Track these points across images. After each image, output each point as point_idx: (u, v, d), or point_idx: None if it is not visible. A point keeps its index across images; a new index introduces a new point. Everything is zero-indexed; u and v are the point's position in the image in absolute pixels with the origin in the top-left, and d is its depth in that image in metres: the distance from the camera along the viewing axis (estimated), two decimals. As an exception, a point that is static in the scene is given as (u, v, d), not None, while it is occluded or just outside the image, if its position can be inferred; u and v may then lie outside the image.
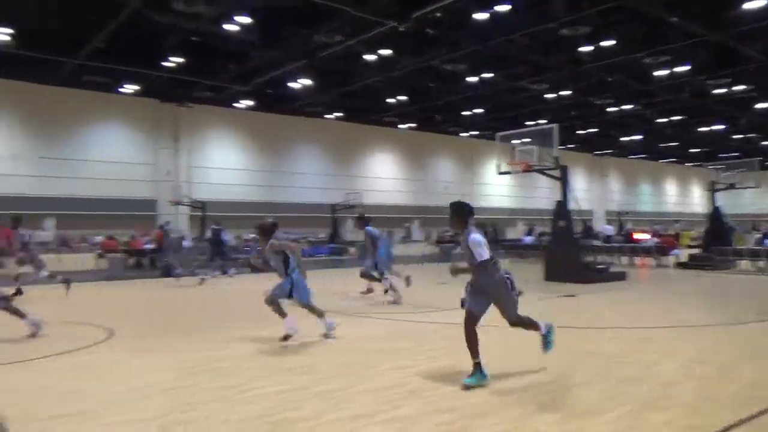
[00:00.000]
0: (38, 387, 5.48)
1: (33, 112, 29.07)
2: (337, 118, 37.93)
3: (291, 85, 28.61)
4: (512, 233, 39.64)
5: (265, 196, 35.25)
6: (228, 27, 20.80)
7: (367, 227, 11.97)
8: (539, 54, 24.41)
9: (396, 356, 6.59)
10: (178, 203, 28.91)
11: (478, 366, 5.30)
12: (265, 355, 6.79)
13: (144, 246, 24.16)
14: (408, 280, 12.16)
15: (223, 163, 34.92)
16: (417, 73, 26.87)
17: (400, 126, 40.95)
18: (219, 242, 19.72)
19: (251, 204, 33.96)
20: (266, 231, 7.49)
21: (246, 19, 20.26)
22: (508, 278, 5.53)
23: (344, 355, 6.66)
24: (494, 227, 35.46)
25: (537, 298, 11.85)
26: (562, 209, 15.45)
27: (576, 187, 18.19)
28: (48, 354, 6.87)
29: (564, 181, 15.37)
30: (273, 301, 7.38)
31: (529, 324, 5.80)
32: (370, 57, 24.26)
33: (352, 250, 30.08)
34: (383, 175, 41.98)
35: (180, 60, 24.57)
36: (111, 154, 30.97)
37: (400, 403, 4.77)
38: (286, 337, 7.29)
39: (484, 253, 5.35)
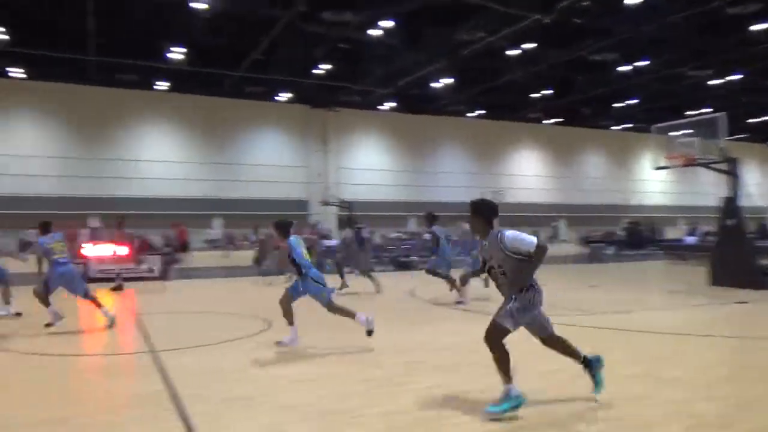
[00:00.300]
0: (210, 371, 6.05)
1: (204, 121, 32.20)
2: (479, 116, 37.60)
3: (433, 85, 28.87)
4: (672, 233, 36.64)
5: (410, 195, 35.91)
6: (372, 32, 21.49)
7: (433, 227, 11.74)
8: (702, 37, 22.35)
9: (544, 359, 6.39)
10: (327, 203, 30.36)
11: (595, 367, 4.70)
12: (418, 351, 6.91)
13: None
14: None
15: (369, 164, 36.10)
16: (563, 66, 25.86)
17: (544, 121, 39.64)
18: (360, 241, 20.42)
19: (396, 203, 34.80)
20: (282, 228, 7.27)
21: (389, 23, 20.79)
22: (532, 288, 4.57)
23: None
24: (651, 226, 33.03)
25: (695, 304, 10.89)
26: (731, 206, 13.98)
27: (748, 182, 16.41)
28: (217, 341, 7.57)
29: (733, 175, 13.90)
30: (334, 309, 7.13)
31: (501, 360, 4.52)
32: (513, 52, 23.76)
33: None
34: (527, 173, 40.90)
35: (328, 67, 25.85)
36: (268, 158, 33.38)
37: (550, 409, 4.63)
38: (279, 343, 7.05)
39: (531, 239, 4.51)
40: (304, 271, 7.07)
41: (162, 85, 29.62)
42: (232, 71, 26.56)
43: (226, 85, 29.14)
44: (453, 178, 37.60)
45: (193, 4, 19.15)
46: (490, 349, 4.55)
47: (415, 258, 21.27)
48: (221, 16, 20.22)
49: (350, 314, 7.11)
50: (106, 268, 15.20)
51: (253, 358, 6.65)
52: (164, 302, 12.55)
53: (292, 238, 7.18)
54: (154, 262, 16.82)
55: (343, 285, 13.07)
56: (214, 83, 28.69)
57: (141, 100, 30.67)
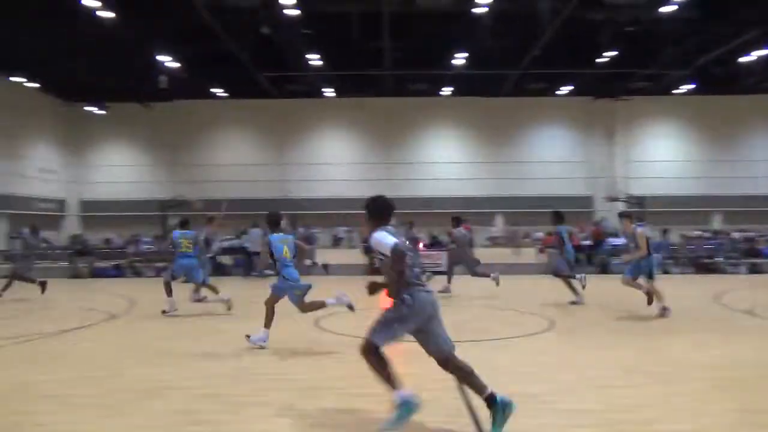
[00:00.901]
0: (495, 365, 6.22)
1: (485, 122, 33.24)
2: (807, 91, 31.29)
3: (741, 60, 24.98)
4: None
5: (713, 188, 31.75)
6: (664, 9, 19.53)
7: (559, 226, 11.20)
8: None
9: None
10: (613, 199, 28.62)
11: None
12: (729, 367, 6.10)
13: (581, 242, 24.64)
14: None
15: (662, 156, 32.98)
16: None
17: None
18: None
19: (697, 198, 31.17)
20: (272, 222, 7.42)
21: (687, -4, 18.65)
22: (407, 298, 4.01)
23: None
24: None
25: None
26: None
27: None
28: (501, 336, 7.74)
29: None
30: (304, 308, 7.28)
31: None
32: None
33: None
34: None
35: (613, 54, 24.27)
36: (548, 154, 32.90)
37: None
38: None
39: (387, 242, 3.97)
40: (278, 266, 7.22)
41: (446, 91, 31.34)
42: (512, 70, 26.80)
43: (505, 85, 29.53)
44: (769, 166, 32.13)
45: (474, 10, 19.82)
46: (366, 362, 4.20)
47: (720, 259, 18.71)
48: (500, 18, 20.52)
49: (320, 305, 7.21)
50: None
51: (537, 356, 6.65)
52: (449, 296, 13.27)
53: (275, 235, 7.34)
54: (441, 258, 17.88)
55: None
56: (494, 84, 29.32)
57: (427, 106, 32.92)
